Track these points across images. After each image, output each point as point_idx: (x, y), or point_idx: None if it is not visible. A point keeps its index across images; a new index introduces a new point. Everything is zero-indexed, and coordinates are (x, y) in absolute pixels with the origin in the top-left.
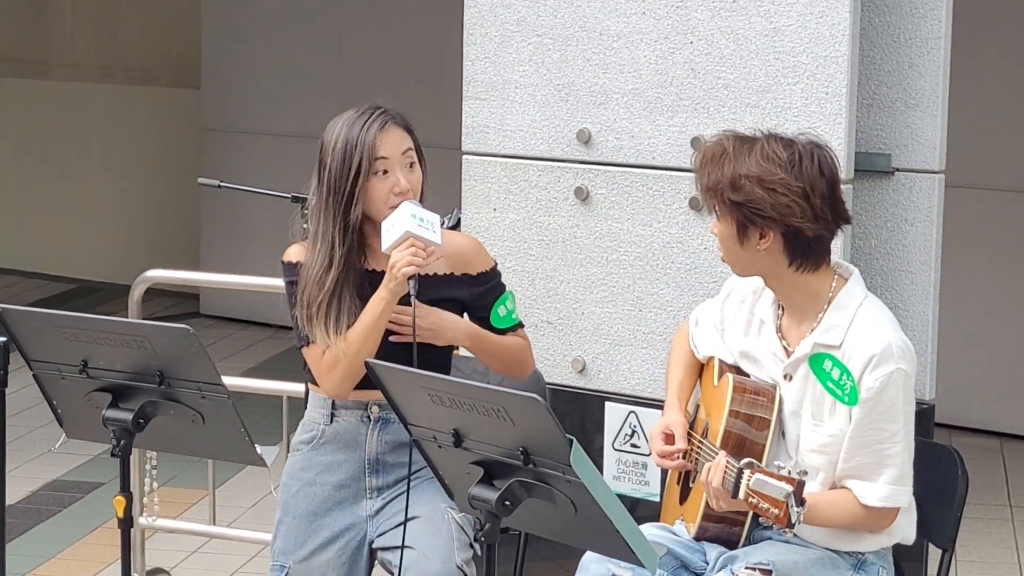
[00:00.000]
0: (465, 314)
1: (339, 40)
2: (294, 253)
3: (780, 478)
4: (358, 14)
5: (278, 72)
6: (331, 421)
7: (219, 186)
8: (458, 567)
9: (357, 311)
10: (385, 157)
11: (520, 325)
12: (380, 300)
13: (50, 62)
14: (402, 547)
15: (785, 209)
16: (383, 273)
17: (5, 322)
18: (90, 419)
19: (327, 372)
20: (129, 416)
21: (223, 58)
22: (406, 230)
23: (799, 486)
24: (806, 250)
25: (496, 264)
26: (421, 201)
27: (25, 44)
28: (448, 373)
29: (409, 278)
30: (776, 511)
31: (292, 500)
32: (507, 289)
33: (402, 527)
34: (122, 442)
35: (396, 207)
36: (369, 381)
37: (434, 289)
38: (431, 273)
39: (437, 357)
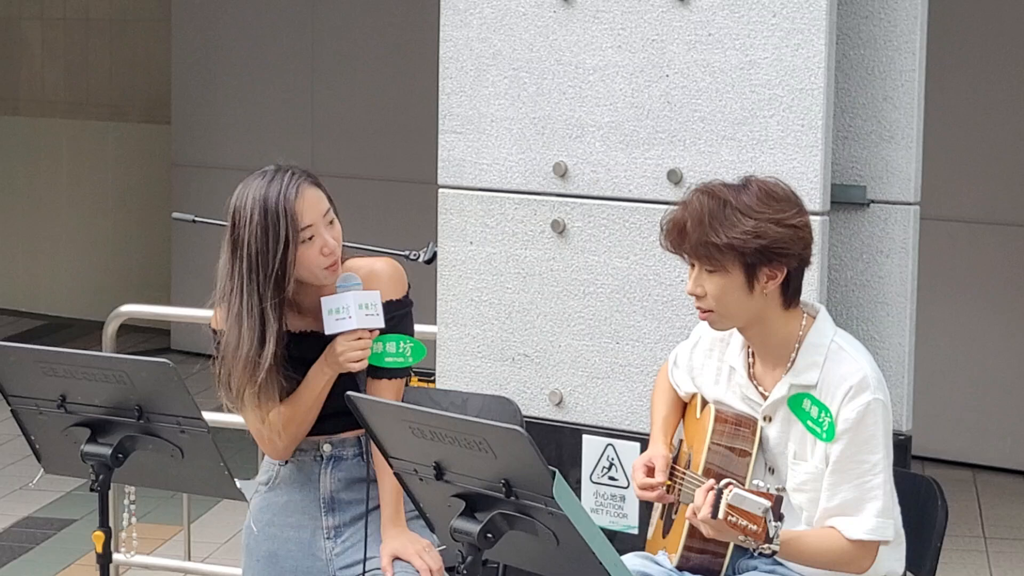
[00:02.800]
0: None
1: (311, 75)
2: (222, 319)
3: (758, 494)
4: (330, 49)
5: (248, 108)
6: (285, 462)
7: (194, 221)
8: None
9: (286, 380)
10: (309, 224)
11: (395, 375)
12: (323, 375)
13: (19, 97)
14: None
15: (804, 242)
16: (310, 334)
17: None
18: (68, 454)
19: (269, 442)
20: (108, 451)
21: (193, 94)
22: (357, 326)
23: (777, 501)
24: (798, 285)
25: (402, 299)
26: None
27: None
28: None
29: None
30: (755, 527)
31: (254, 543)
32: (408, 334)
33: (369, 573)
34: (101, 477)
35: (329, 268)
36: (322, 425)
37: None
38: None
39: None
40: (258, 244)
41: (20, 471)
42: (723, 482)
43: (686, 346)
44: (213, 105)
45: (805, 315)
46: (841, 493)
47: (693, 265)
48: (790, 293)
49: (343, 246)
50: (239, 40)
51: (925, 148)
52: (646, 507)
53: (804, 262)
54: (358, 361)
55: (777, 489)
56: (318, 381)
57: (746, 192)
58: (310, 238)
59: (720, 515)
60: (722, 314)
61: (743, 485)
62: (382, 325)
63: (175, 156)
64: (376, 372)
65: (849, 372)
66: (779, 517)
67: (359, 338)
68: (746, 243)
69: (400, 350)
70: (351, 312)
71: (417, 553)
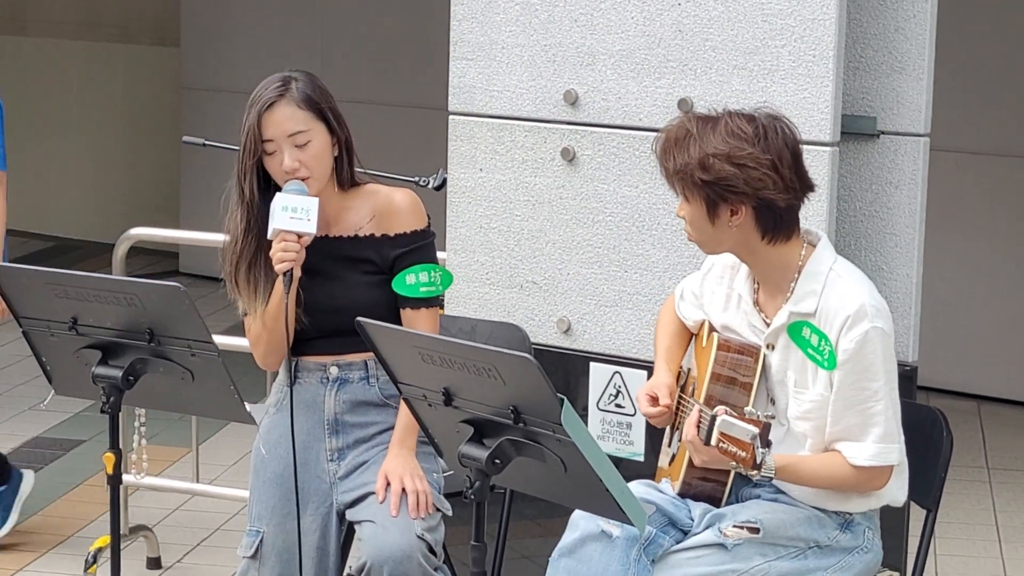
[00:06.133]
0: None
1: None
2: None
3: (747, 420)
4: None
5: (258, 30)
6: (294, 383)
7: (204, 145)
8: (419, 536)
9: (272, 282)
10: (270, 139)
11: (431, 304)
12: (280, 285)
13: (27, 18)
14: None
15: (757, 183)
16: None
17: None
18: (79, 376)
19: (253, 345)
20: (119, 373)
21: (203, 16)
22: (274, 228)
23: (765, 428)
24: (778, 221)
25: (426, 228)
26: (348, 158)
27: (2, 0)
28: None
29: (284, 273)
30: (743, 453)
31: (261, 464)
32: (434, 263)
33: (366, 499)
34: (111, 399)
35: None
36: (329, 345)
37: (346, 249)
38: (351, 235)
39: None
40: (240, 145)
41: (29, 392)
42: (716, 409)
43: (695, 277)
44: (222, 28)
45: (806, 244)
46: (844, 419)
47: None
48: (766, 230)
49: (363, 172)
50: None
51: (935, 78)
52: (656, 436)
53: (766, 202)
54: (281, 262)
55: (766, 416)
56: (277, 287)
57: (715, 127)
58: (271, 152)
59: (713, 442)
60: (700, 240)
61: (738, 412)
62: (310, 231)
63: (184, 79)
64: (414, 303)
65: (846, 301)
66: (766, 444)
67: (283, 239)
68: (692, 173)
69: (431, 279)
70: (275, 214)
71: (401, 476)
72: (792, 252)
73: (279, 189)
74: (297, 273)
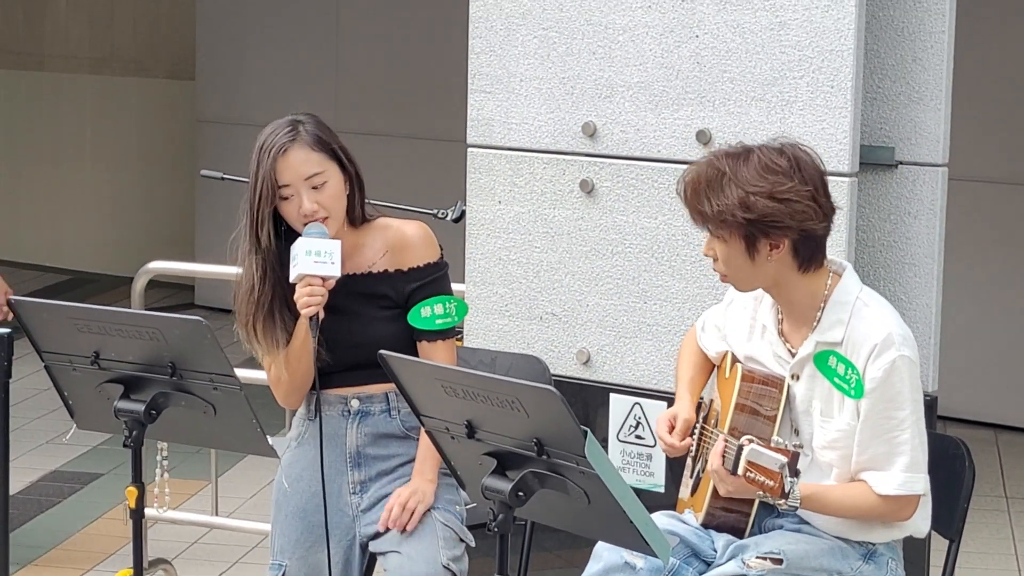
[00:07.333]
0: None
1: (336, 31)
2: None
3: (776, 450)
4: (355, 5)
5: (273, 63)
6: (315, 416)
7: (222, 178)
8: (444, 566)
9: (290, 324)
10: (287, 184)
11: (447, 336)
12: (301, 326)
13: (44, 53)
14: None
15: (801, 215)
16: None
17: (17, 313)
18: (101, 410)
19: (274, 386)
20: (141, 407)
21: (218, 49)
22: (299, 273)
23: (794, 457)
24: (814, 250)
25: (439, 260)
26: (359, 195)
27: (19, 35)
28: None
29: (310, 318)
30: (771, 483)
31: (283, 498)
32: (449, 294)
33: (389, 530)
34: (134, 433)
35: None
36: (349, 378)
37: (361, 286)
38: (365, 272)
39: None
40: (249, 194)
41: (47, 425)
42: (743, 438)
43: (717, 308)
44: (238, 61)
45: (831, 273)
46: (871, 448)
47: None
48: (803, 260)
49: (374, 204)
50: None
51: (952, 108)
52: (676, 467)
53: (808, 233)
54: (307, 307)
55: (795, 446)
56: (299, 329)
57: (747, 163)
58: (288, 197)
59: (740, 471)
60: (734, 278)
61: (764, 442)
62: (335, 274)
63: (200, 112)
64: (430, 335)
65: (873, 330)
66: (795, 473)
67: (308, 284)
68: (734, 215)
69: (446, 310)
70: (299, 259)
71: (407, 497)
72: (819, 282)
73: (291, 234)
74: (321, 315)
